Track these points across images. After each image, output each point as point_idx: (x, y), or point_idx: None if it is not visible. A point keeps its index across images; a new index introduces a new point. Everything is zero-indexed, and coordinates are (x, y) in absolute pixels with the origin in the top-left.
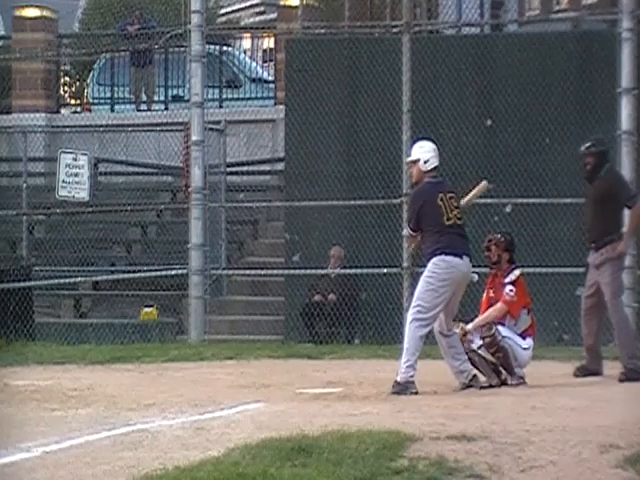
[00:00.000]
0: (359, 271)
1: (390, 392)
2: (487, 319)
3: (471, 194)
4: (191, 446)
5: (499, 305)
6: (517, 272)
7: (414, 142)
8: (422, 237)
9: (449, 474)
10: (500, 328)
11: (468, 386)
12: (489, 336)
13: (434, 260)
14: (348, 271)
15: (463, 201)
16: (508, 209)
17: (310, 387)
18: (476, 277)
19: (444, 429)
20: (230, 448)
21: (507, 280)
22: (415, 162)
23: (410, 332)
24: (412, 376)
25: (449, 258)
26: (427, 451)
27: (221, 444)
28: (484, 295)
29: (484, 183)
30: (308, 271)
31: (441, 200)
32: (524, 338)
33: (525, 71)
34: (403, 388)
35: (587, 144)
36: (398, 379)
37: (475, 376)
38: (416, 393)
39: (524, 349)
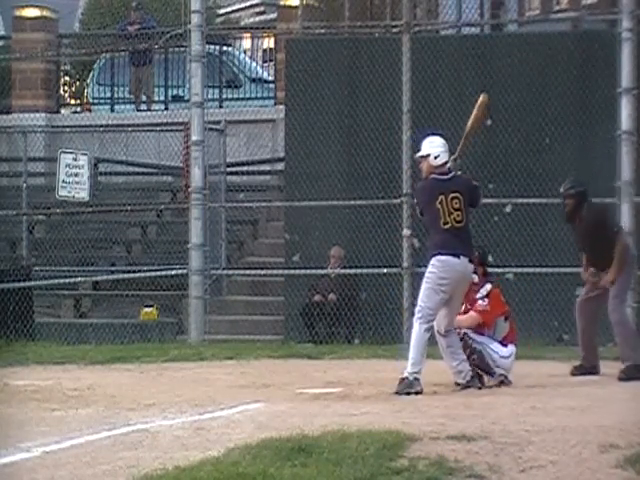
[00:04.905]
0: (359, 271)
1: (395, 390)
2: (460, 324)
3: (472, 116)
4: (191, 446)
5: (472, 314)
6: (488, 286)
7: (423, 137)
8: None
9: (449, 474)
10: (471, 334)
11: (466, 386)
12: (460, 339)
13: (431, 261)
14: (348, 271)
15: (467, 127)
16: (508, 209)
17: (310, 387)
18: (476, 278)
19: (444, 429)
20: (230, 448)
21: (478, 296)
22: (425, 157)
23: (414, 331)
24: (418, 372)
25: (444, 258)
26: (427, 451)
27: (221, 444)
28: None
29: (482, 97)
30: (308, 271)
31: (440, 203)
32: (505, 345)
33: (525, 71)
34: (408, 384)
35: (566, 186)
36: (404, 375)
37: (473, 377)
38: (421, 392)
39: (505, 357)
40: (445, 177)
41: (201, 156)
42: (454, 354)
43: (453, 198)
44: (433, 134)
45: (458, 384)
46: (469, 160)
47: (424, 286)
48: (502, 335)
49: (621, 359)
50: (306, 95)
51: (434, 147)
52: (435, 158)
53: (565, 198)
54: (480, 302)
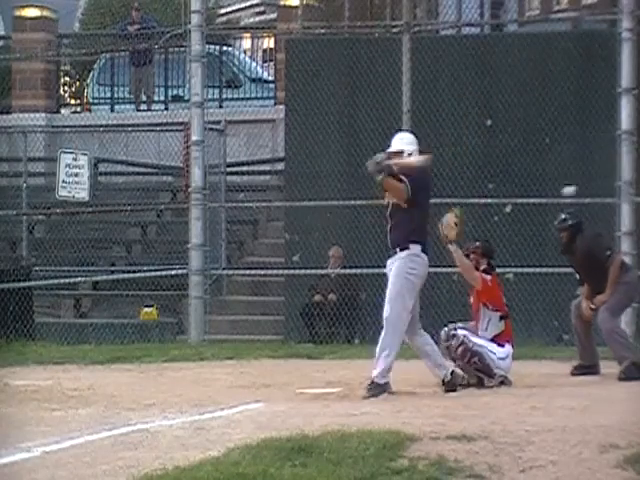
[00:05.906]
0: (359, 271)
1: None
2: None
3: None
4: (191, 446)
5: (476, 273)
6: (491, 271)
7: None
8: None
9: (449, 474)
10: (470, 337)
11: (451, 385)
12: (460, 344)
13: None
14: (348, 271)
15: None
16: (508, 209)
17: (310, 387)
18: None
19: (444, 429)
20: (230, 448)
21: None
22: (398, 154)
23: None
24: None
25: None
26: (427, 451)
27: (221, 444)
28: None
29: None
30: (308, 271)
31: None
32: (502, 346)
33: (525, 71)
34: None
35: (561, 218)
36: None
37: (454, 372)
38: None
39: (502, 359)
40: None
41: (201, 156)
42: (430, 354)
43: None
44: (401, 130)
45: (443, 383)
46: (469, 160)
47: None
48: (494, 333)
49: (618, 362)
50: (306, 95)
51: (407, 144)
52: (409, 155)
53: (560, 231)
54: (485, 275)
